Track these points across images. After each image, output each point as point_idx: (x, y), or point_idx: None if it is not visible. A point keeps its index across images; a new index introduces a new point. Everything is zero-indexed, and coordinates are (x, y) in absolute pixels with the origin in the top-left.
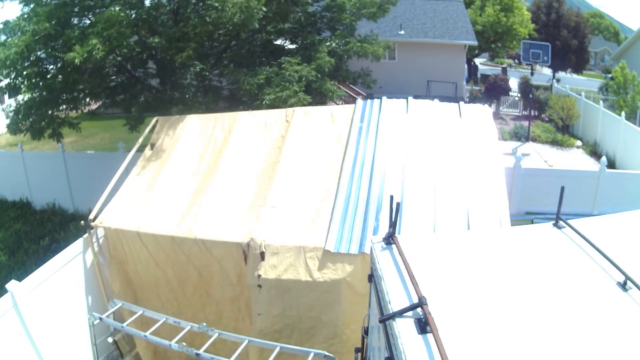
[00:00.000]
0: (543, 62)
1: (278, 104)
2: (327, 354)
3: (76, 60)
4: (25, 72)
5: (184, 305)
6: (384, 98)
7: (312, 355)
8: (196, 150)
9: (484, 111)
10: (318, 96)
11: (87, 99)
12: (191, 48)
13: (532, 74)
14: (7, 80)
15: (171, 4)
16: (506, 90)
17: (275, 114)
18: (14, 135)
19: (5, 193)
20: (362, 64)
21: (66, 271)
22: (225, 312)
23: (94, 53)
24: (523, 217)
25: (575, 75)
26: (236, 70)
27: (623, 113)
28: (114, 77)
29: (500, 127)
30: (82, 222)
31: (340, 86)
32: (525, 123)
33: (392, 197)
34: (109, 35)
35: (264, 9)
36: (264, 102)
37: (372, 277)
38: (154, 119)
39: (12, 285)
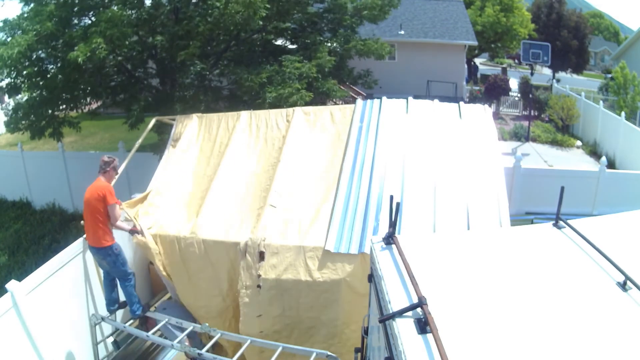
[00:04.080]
0: (543, 62)
1: (280, 101)
2: (329, 353)
3: (79, 59)
4: (25, 72)
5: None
6: (384, 98)
7: (314, 355)
8: (196, 149)
9: (484, 111)
10: (319, 96)
11: (88, 99)
12: (195, 46)
13: (532, 74)
14: (7, 80)
15: (171, 3)
16: (506, 90)
17: (276, 113)
18: (12, 133)
19: (5, 193)
20: (362, 64)
21: (66, 271)
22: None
23: (97, 52)
24: (523, 217)
25: (575, 76)
26: (238, 68)
27: (623, 113)
28: (114, 77)
29: (500, 127)
30: (82, 221)
31: (341, 86)
32: (525, 123)
33: (392, 197)
34: (111, 34)
35: (268, 5)
36: (266, 101)
37: (372, 277)
38: (154, 119)
39: (12, 285)
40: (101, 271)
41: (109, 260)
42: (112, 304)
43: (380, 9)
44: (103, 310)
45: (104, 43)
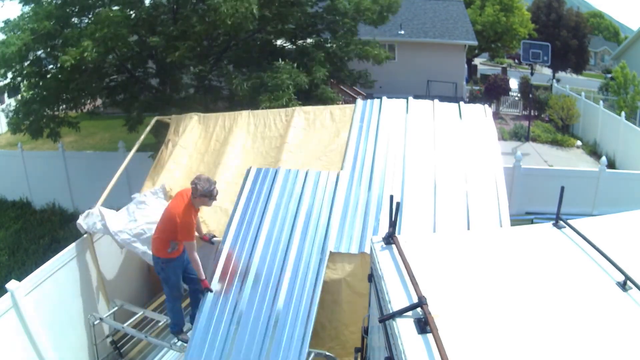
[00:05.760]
0: (543, 62)
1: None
2: (327, 353)
3: (66, 64)
4: (24, 72)
5: None
6: (384, 98)
7: (312, 355)
8: (197, 149)
9: (484, 111)
10: (317, 103)
11: (86, 99)
12: (184, 47)
13: (532, 74)
14: (6, 80)
15: (170, 3)
16: (506, 90)
17: (275, 113)
18: (14, 134)
19: (5, 193)
20: (362, 64)
21: (66, 271)
22: None
23: (85, 55)
24: (523, 217)
25: (575, 75)
26: (230, 75)
27: (623, 113)
28: (113, 77)
29: (500, 127)
30: None
31: (341, 86)
32: (525, 123)
33: (392, 197)
34: (103, 35)
35: (255, 12)
36: (259, 108)
37: (372, 277)
38: (154, 119)
39: (12, 285)
40: (101, 271)
41: (154, 267)
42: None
43: (378, 14)
44: (102, 310)
45: (92, 45)
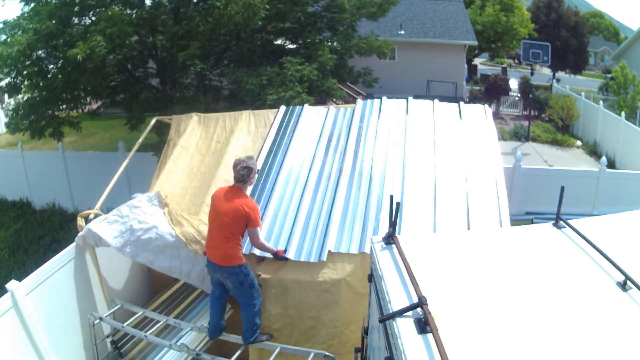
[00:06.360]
0: (543, 62)
1: (280, 104)
2: (327, 353)
3: (78, 57)
4: (25, 72)
5: None
6: (384, 98)
7: (312, 355)
8: (197, 149)
9: (484, 111)
10: (320, 95)
11: (88, 99)
12: (195, 46)
13: (532, 74)
14: (7, 79)
15: (171, 3)
16: (506, 90)
17: (276, 113)
18: (12, 134)
19: (5, 193)
20: (362, 63)
21: (66, 271)
22: None
23: (96, 50)
24: (523, 217)
25: (574, 76)
26: (238, 70)
27: (623, 113)
28: (114, 77)
29: (500, 127)
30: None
31: (341, 86)
32: (525, 123)
33: (392, 197)
34: (111, 33)
35: (267, 6)
36: (266, 102)
37: (372, 277)
38: (154, 119)
39: (12, 284)
40: (100, 271)
41: (234, 279)
42: (219, 331)
43: (379, 6)
44: (102, 310)
45: (103, 41)
